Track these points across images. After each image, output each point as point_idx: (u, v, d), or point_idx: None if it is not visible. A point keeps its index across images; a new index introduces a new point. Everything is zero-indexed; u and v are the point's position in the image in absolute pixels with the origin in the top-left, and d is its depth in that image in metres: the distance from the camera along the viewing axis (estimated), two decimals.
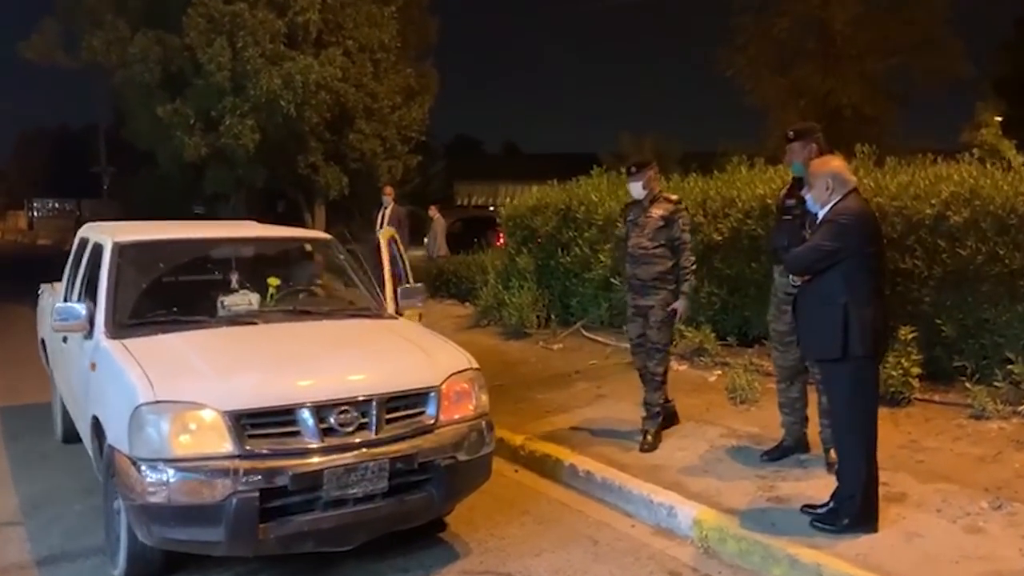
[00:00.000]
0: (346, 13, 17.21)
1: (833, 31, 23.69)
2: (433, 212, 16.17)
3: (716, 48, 25.20)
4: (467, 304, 12.03)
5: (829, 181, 4.13)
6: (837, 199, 4.11)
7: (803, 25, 24.13)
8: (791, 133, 5.06)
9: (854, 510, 4.15)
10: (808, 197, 4.27)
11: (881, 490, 4.29)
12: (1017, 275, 5.85)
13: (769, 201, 7.28)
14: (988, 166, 6.45)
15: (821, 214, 4.17)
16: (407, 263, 6.53)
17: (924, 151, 7.13)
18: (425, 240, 15.76)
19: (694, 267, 5.69)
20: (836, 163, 4.25)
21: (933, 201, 6.24)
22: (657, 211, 5.61)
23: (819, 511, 4.35)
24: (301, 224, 17.11)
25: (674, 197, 5.77)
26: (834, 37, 23.85)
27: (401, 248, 6.58)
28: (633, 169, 5.71)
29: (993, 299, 5.95)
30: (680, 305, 5.62)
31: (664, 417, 5.83)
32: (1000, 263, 5.87)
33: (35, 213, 62.85)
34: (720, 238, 7.75)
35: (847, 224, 4.03)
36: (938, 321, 6.14)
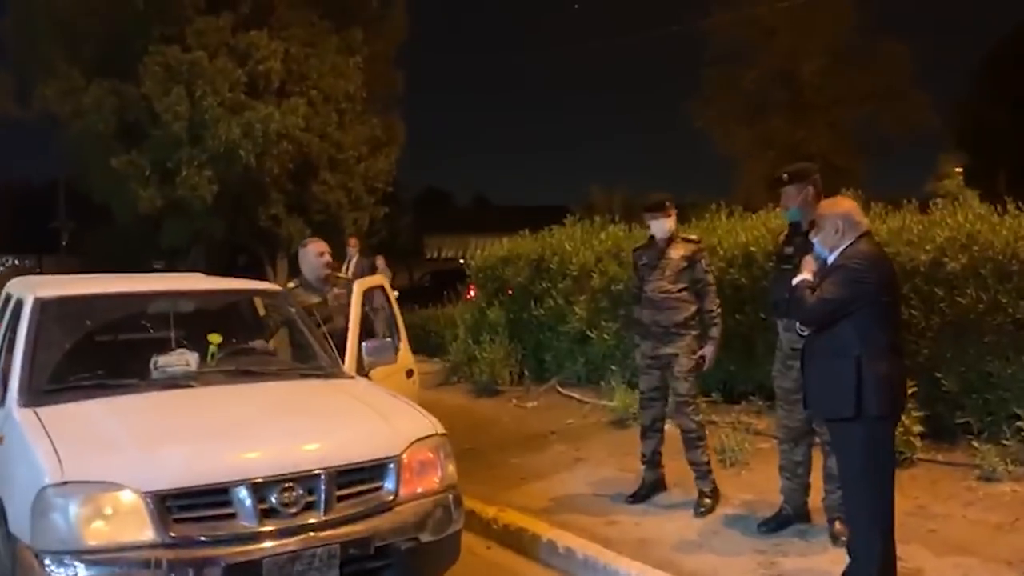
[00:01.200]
0: (310, 63, 16.94)
1: (801, 82, 23.95)
2: (379, 262, 15.64)
3: (685, 100, 25.35)
4: (436, 360, 11.51)
5: (840, 223, 3.73)
6: (848, 243, 3.71)
7: (771, 76, 24.37)
8: (785, 175, 4.63)
9: None
10: (815, 241, 3.87)
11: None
12: (1021, 325, 5.48)
13: (752, 249, 6.91)
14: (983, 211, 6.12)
15: (831, 260, 3.76)
16: (397, 317, 5.86)
17: (897, 200, 6.83)
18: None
19: (720, 310, 5.28)
20: (847, 204, 3.87)
21: (928, 247, 5.89)
22: (677, 252, 5.24)
23: None
24: (263, 278, 16.55)
25: (694, 237, 5.45)
26: (802, 88, 24.08)
27: (391, 299, 5.94)
28: (656, 207, 5.31)
29: (997, 351, 5.56)
30: (709, 351, 5.22)
31: (651, 485, 5.42)
32: (1003, 312, 5.49)
33: None
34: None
35: (859, 270, 3.62)
36: (938, 375, 5.73)
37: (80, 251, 33.89)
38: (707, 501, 5.20)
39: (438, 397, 9.44)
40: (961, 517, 4.83)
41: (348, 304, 5.61)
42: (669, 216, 5.28)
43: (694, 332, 5.22)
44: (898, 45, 23.32)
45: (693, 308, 5.22)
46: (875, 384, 3.56)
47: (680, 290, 5.20)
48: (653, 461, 5.51)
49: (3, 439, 3.80)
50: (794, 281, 3.85)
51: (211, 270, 16.80)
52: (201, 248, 19.20)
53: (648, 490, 5.49)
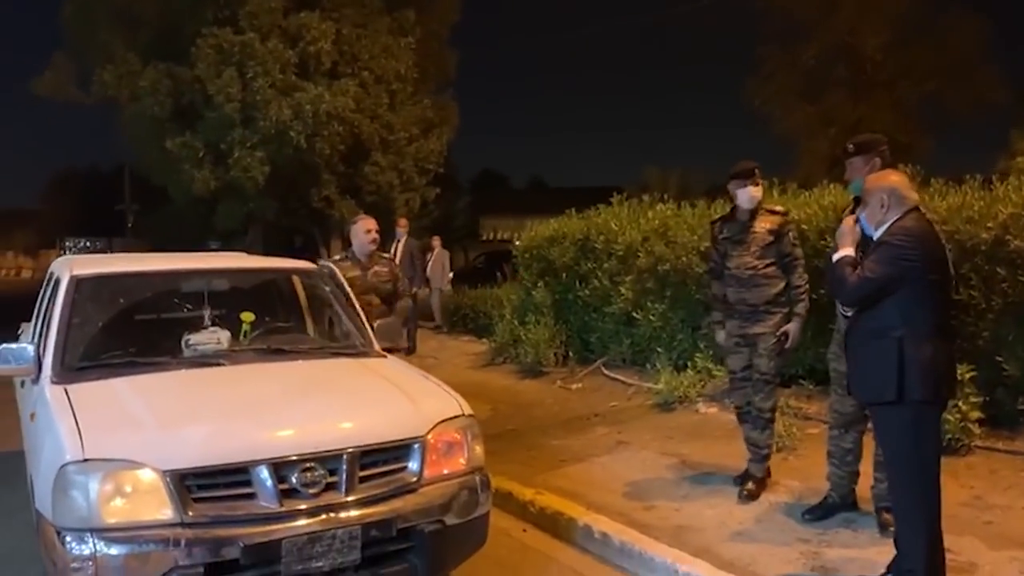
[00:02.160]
0: (361, 44, 16.87)
1: (863, 58, 23.13)
2: (435, 243, 15.63)
3: (743, 78, 24.74)
4: (484, 340, 11.46)
5: (884, 198, 3.51)
6: (894, 218, 3.48)
7: (831, 52, 23.59)
8: (851, 146, 4.39)
9: None
10: (861, 217, 3.65)
11: (946, 558, 3.61)
12: None
13: (804, 227, 6.65)
14: None
15: (876, 236, 3.55)
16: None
17: (971, 175, 6.46)
18: (428, 271, 15.09)
19: (808, 286, 5.02)
20: (894, 177, 3.63)
21: (989, 224, 5.58)
22: (763, 225, 4.96)
23: None
24: (316, 259, 16.68)
25: (779, 208, 5.13)
26: (864, 64, 23.28)
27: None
28: (744, 174, 4.99)
29: None
30: (793, 328, 4.95)
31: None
32: None
33: (67, 252, 63.40)
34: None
35: (904, 247, 3.40)
36: (999, 359, 5.45)
37: (144, 233, 34.75)
38: (752, 487, 5.02)
39: (484, 378, 9.40)
40: (1021, 509, 4.59)
41: (387, 282, 5.72)
42: (758, 185, 4.99)
43: (784, 310, 4.95)
44: (967, 17, 22.39)
45: (781, 284, 4.95)
46: (918, 367, 3.36)
47: (767, 266, 4.93)
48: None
49: (35, 416, 3.83)
50: (834, 257, 3.65)
51: (267, 251, 17.04)
52: (258, 229, 19.41)
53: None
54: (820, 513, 4.60)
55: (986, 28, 22.88)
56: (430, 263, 15.17)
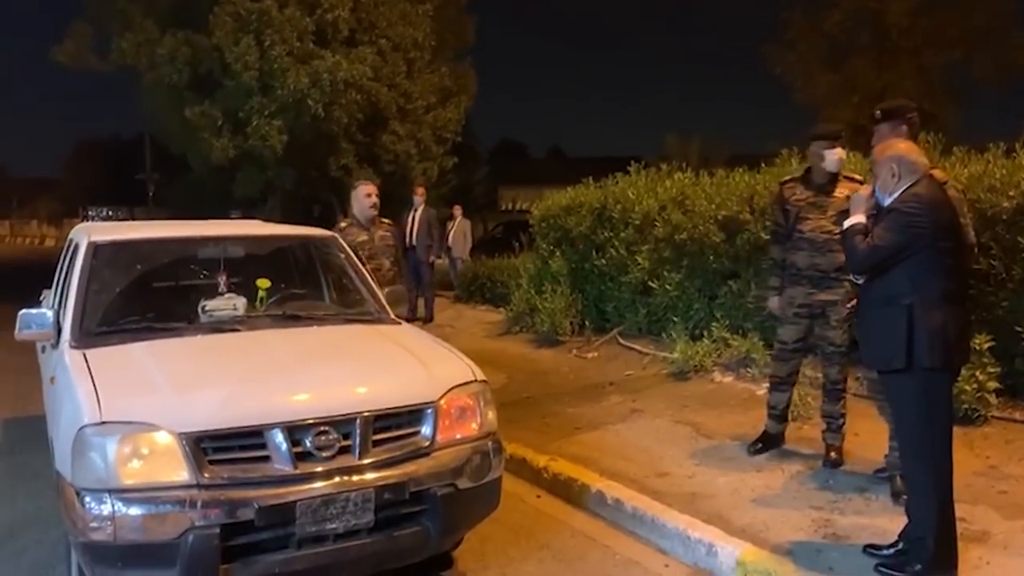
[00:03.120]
0: (379, 11, 16.75)
1: (888, 24, 22.62)
2: (456, 212, 15.61)
3: (764, 45, 24.32)
4: (501, 309, 11.47)
5: (894, 166, 3.49)
6: (906, 186, 3.46)
7: (856, 18, 23.06)
8: (878, 112, 4.34)
9: (926, 554, 3.48)
10: (875, 188, 3.62)
11: (959, 527, 3.61)
12: None
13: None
14: None
15: (887, 203, 3.52)
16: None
17: (994, 143, 6.35)
18: (450, 240, 15.12)
19: None
20: (903, 145, 3.61)
21: (1011, 193, 5.50)
22: (843, 191, 4.80)
23: (885, 553, 3.71)
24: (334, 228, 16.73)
25: (858, 177, 4.97)
26: (889, 30, 22.78)
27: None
28: (831, 135, 4.90)
29: None
30: None
31: (774, 438, 5.25)
32: None
33: (89, 221, 63.85)
34: (768, 236, 7.06)
35: (913, 214, 3.38)
36: (1018, 329, 5.40)
37: (165, 202, 34.90)
38: (834, 456, 4.95)
39: (501, 346, 9.43)
40: None
41: (392, 246, 5.81)
42: (844, 147, 4.89)
43: (852, 278, 4.89)
44: None
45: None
46: (928, 334, 3.35)
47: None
48: (784, 415, 5.28)
49: (55, 379, 3.89)
50: (845, 224, 3.62)
51: (286, 220, 17.08)
52: (277, 198, 19.43)
53: (769, 443, 5.26)
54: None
55: None
56: (451, 232, 15.19)
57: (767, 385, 6.48)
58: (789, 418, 5.33)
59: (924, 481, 3.48)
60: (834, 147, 4.85)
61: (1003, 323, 5.44)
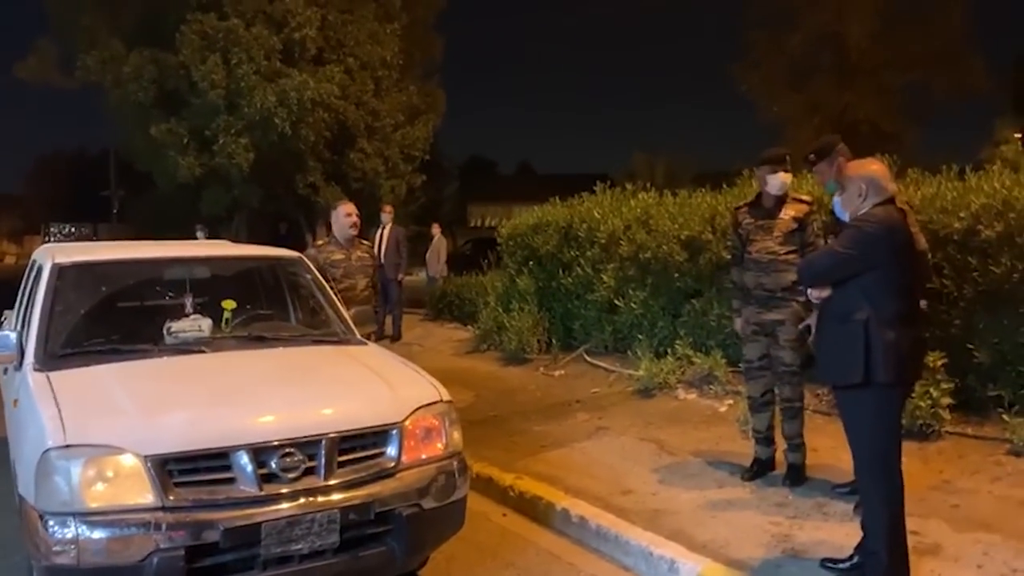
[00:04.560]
0: (347, 30, 16.85)
1: (849, 45, 23.18)
2: (435, 230, 15.67)
3: (730, 65, 24.75)
4: (469, 327, 11.52)
5: (863, 186, 3.60)
6: (869, 207, 3.57)
7: (818, 40, 23.62)
8: (812, 156, 4.66)
9: (880, 567, 3.56)
10: (836, 202, 3.75)
11: (912, 540, 3.72)
12: None
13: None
14: (1021, 177, 5.87)
15: (846, 219, 3.64)
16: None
17: (947, 165, 6.56)
18: (427, 257, 15.20)
19: None
20: (874, 167, 3.70)
21: (962, 214, 5.67)
22: (789, 212, 4.94)
23: (841, 567, 3.80)
24: (303, 246, 16.69)
25: (806, 197, 5.11)
26: (850, 51, 23.33)
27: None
28: (776, 159, 4.96)
29: None
30: (814, 320, 4.75)
31: (765, 462, 5.23)
32: None
33: (51, 238, 62.85)
34: (730, 256, 7.19)
35: (870, 232, 3.50)
36: (970, 346, 5.56)
37: (130, 219, 34.59)
38: (794, 475, 5.00)
39: (468, 364, 9.47)
40: (987, 492, 4.69)
41: (369, 266, 5.85)
42: (788, 171, 4.97)
43: (801, 298, 4.83)
44: (951, 5, 22.42)
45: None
46: (883, 350, 3.45)
47: (788, 252, 4.89)
48: (768, 437, 5.22)
49: (18, 402, 3.88)
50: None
51: (252, 238, 17.01)
52: (243, 216, 19.37)
53: (761, 468, 5.21)
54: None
55: (970, 17, 22.95)
56: (429, 250, 15.28)
57: (729, 402, 6.66)
58: (776, 440, 5.25)
59: (877, 495, 3.58)
60: (776, 172, 4.95)
61: (956, 340, 5.59)
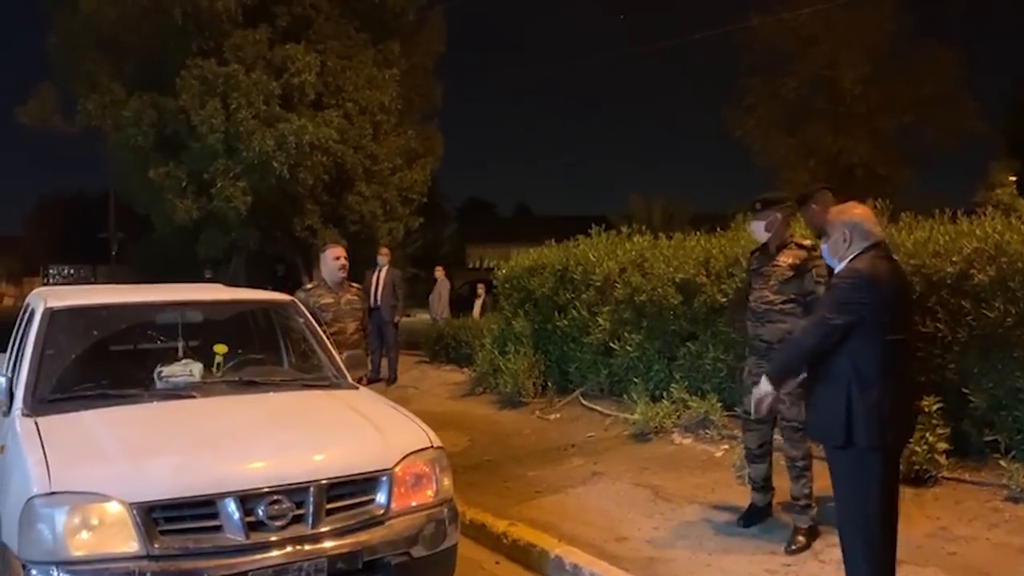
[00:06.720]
0: (346, 76, 17.03)
1: (842, 90, 23.44)
2: (439, 273, 15.78)
3: (725, 109, 25.02)
4: (465, 370, 11.48)
5: (847, 231, 3.52)
6: (854, 254, 3.51)
7: (811, 85, 23.89)
8: (757, 204, 4.82)
9: None
10: (823, 248, 3.72)
11: None
12: None
13: None
14: (1013, 221, 5.90)
15: (837, 268, 3.61)
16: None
17: (940, 208, 6.58)
18: (430, 299, 15.34)
19: None
20: (858, 211, 3.62)
21: (954, 258, 5.67)
22: (786, 259, 4.74)
23: None
24: (299, 288, 16.71)
25: (807, 243, 4.81)
26: (843, 96, 23.58)
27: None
28: (758, 206, 4.82)
29: None
30: None
31: (761, 510, 5.07)
32: None
33: (50, 280, 62.83)
34: (724, 299, 7.20)
35: (848, 291, 3.43)
36: (965, 391, 5.52)
37: (129, 261, 34.66)
38: (801, 539, 4.64)
39: (463, 408, 9.43)
40: (984, 540, 4.63)
41: (359, 310, 5.84)
42: (762, 220, 4.81)
43: None
44: (944, 50, 22.72)
45: (800, 322, 4.51)
46: (865, 414, 3.38)
47: (784, 301, 4.71)
48: (765, 487, 5.06)
49: (5, 448, 3.84)
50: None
51: (250, 280, 17.04)
52: (241, 258, 19.40)
53: (757, 515, 5.07)
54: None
55: (961, 61, 23.25)
56: (432, 292, 15.46)
57: (725, 447, 6.61)
58: (773, 487, 5.12)
59: (853, 550, 3.52)
60: (757, 217, 4.87)
61: (951, 385, 5.56)
